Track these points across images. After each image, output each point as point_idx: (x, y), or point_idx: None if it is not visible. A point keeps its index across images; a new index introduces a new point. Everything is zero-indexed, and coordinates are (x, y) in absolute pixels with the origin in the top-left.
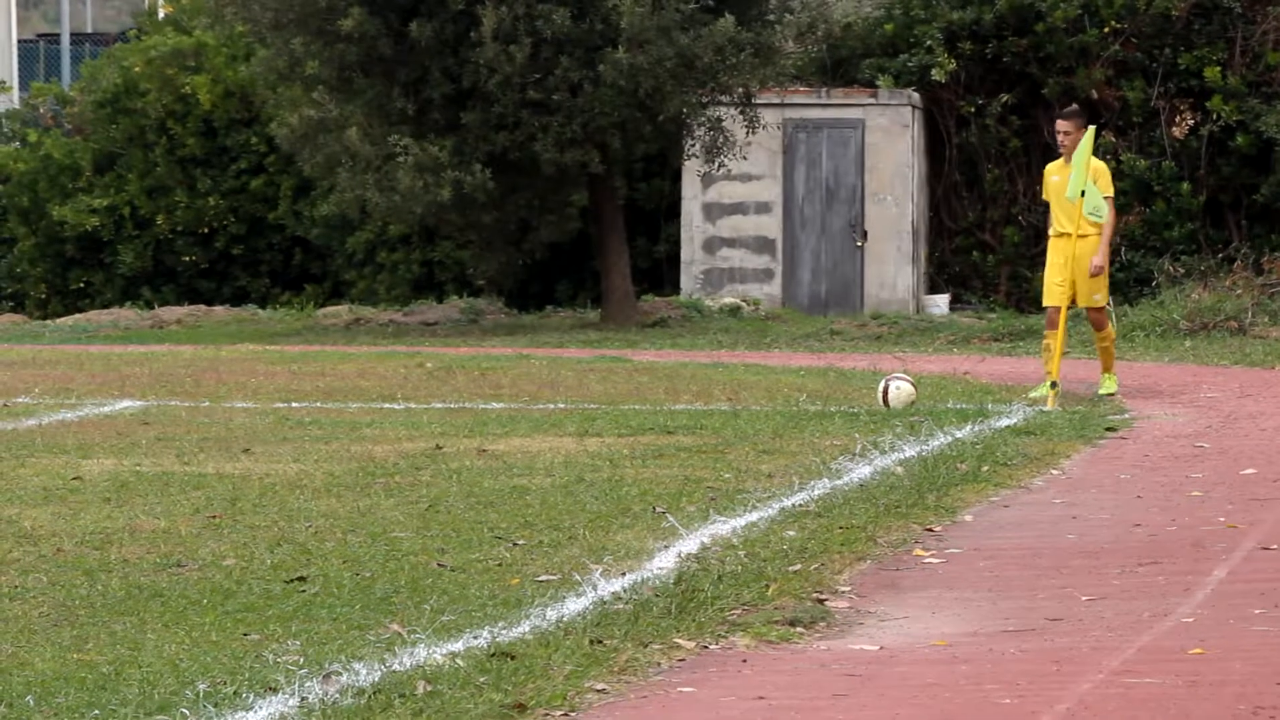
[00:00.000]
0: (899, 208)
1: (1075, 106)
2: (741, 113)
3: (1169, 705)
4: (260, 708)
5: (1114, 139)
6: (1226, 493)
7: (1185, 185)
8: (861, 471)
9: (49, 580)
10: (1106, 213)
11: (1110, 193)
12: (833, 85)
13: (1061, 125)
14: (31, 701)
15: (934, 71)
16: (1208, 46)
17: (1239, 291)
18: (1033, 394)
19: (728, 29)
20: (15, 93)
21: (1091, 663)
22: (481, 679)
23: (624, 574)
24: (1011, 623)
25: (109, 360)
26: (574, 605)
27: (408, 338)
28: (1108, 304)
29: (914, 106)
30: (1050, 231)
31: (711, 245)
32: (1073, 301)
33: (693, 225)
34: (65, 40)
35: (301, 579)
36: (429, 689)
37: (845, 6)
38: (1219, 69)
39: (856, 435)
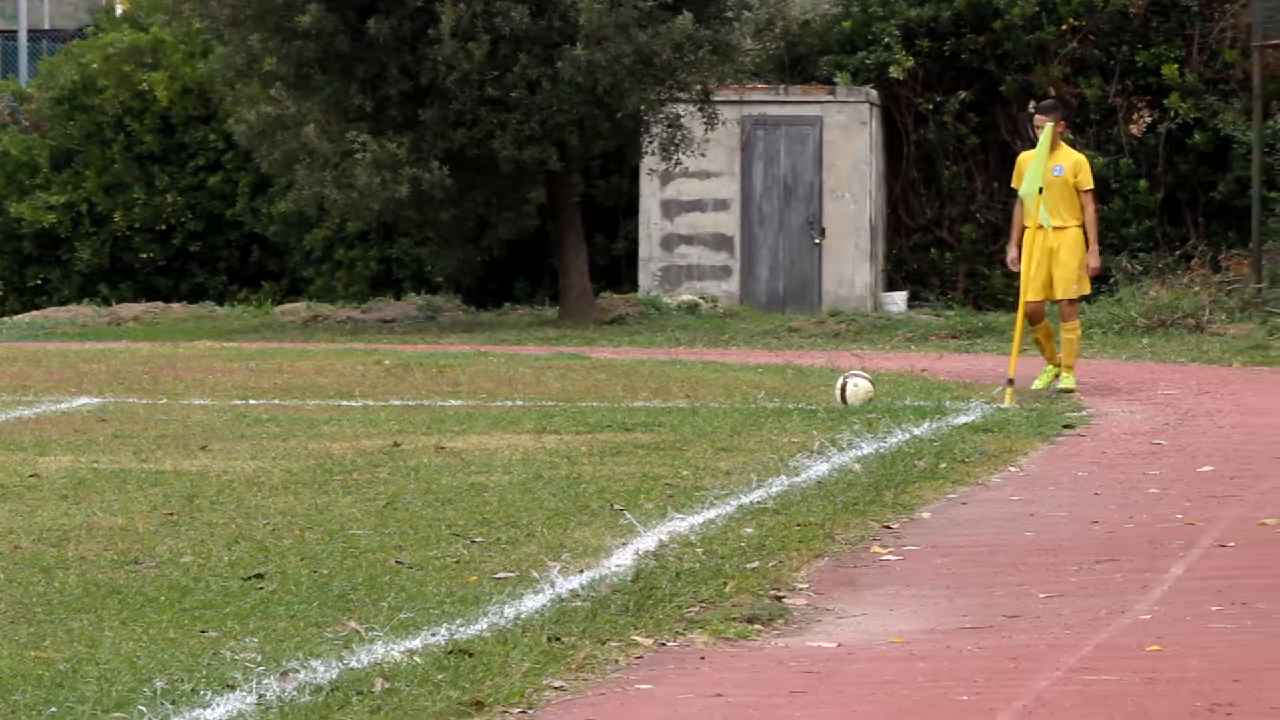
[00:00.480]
0: (857, 205)
1: (1051, 100)
2: (700, 110)
3: (1126, 702)
4: (218, 705)
5: (1072, 135)
6: (1184, 490)
7: (1143, 183)
8: (819, 469)
9: (6, 578)
10: (1089, 207)
11: (1090, 185)
12: (791, 82)
13: (1038, 119)
14: None
15: (892, 69)
16: (1165, 44)
17: (1196, 289)
18: (1035, 384)
19: (686, 26)
20: None
21: (1049, 660)
22: (439, 676)
23: (582, 571)
24: (969, 620)
25: (66, 357)
26: (532, 603)
27: (366, 335)
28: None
29: (872, 104)
30: (1025, 223)
31: (670, 242)
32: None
33: (651, 223)
34: (23, 37)
35: (259, 576)
36: (387, 686)
37: (803, 3)
38: (1176, 66)
39: (814, 432)
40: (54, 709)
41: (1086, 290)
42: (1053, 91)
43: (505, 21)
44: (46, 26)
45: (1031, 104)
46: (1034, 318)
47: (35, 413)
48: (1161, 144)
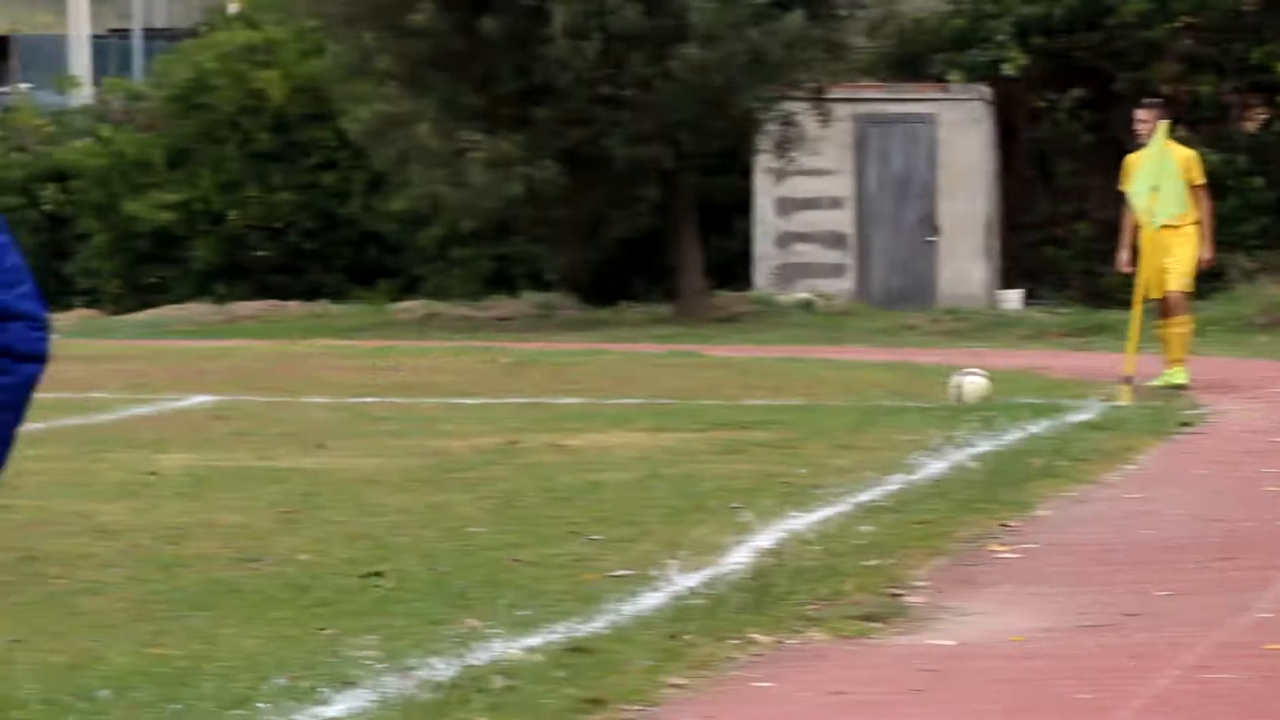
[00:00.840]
0: (971, 203)
1: (1157, 98)
2: (812, 108)
3: (1246, 700)
4: (338, 702)
5: (1186, 133)
6: None
7: (1258, 180)
8: (937, 467)
9: (126, 575)
10: (1203, 202)
11: (1202, 180)
12: (903, 80)
13: (1141, 115)
14: (109, 696)
15: (1005, 66)
16: (1278, 41)
17: None
18: (1153, 382)
19: (798, 24)
20: (88, 88)
21: (1168, 658)
22: (558, 674)
23: (700, 569)
24: (1088, 618)
25: (183, 355)
26: (650, 600)
27: (482, 333)
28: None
29: (985, 101)
30: (1138, 223)
31: (784, 240)
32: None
33: (765, 220)
34: (138, 35)
35: (378, 574)
36: (506, 684)
37: (915, 1)
38: None
39: (931, 430)
40: (175, 706)
41: (1189, 288)
42: (1161, 90)
43: (617, 20)
44: (161, 25)
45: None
46: (1168, 311)
47: (153, 410)
48: (1276, 141)
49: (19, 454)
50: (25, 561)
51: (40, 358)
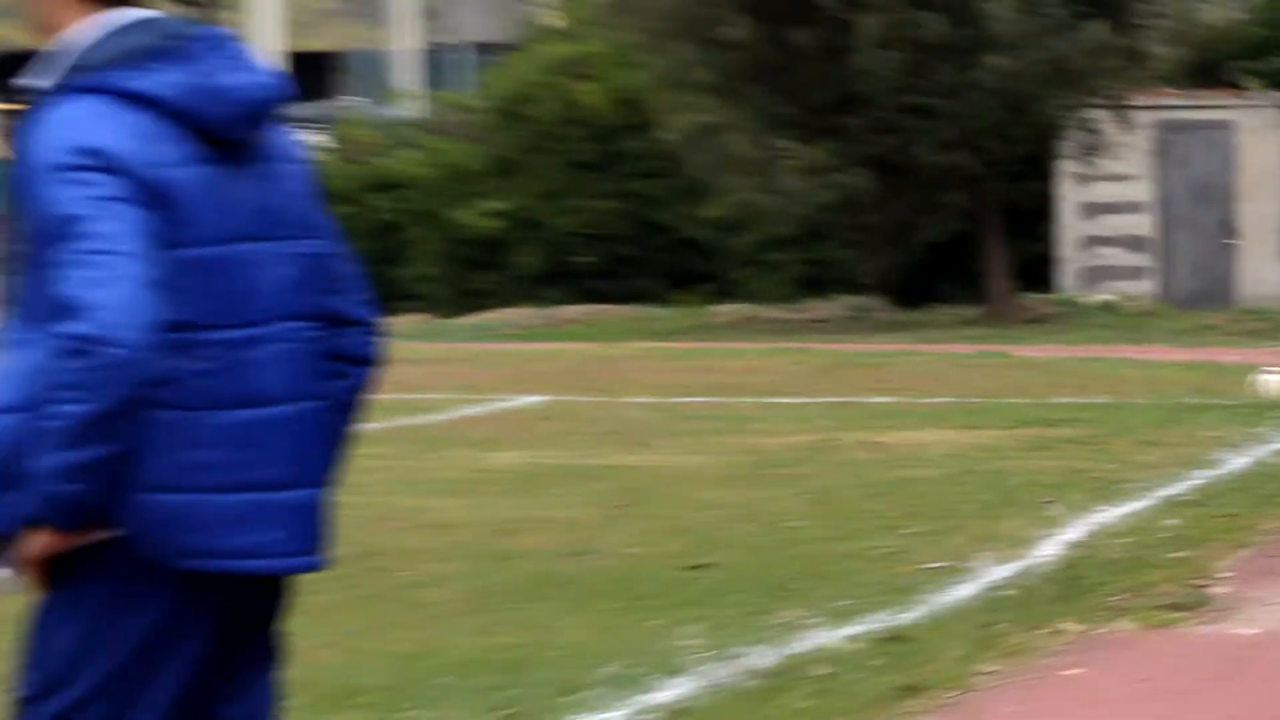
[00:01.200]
0: (1269, 206)
1: None
2: (1113, 115)
3: None
4: (666, 689)
5: None
6: None
7: None
8: (1240, 462)
9: (462, 568)
10: None
11: None
12: (1201, 88)
13: None
14: (449, 683)
15: None
16: None
17: None
18: None
19: (1100, 34)
20: (415, 101)
21: None
22: (876, 662)
23: (1011, 561)
24: None
25: (511, 358)
26: (963, 591)
27: (797, 335)
28: None
29: None
30: None
31: (1086, 243)
32: None
33: (1067, 224)
34: (463, 50)
35: (701, 566)
36: (827, 671)
37: (1213, 10)
38: None
39: (1233, 427)
40: (511, 692)
41: None
42: None
43: (924, 31)
44: (483, 39)
45: None
46: None
47: (483, 410)
48: None
49: (357, 453)
50: (367, 556)
51: (373, 361)
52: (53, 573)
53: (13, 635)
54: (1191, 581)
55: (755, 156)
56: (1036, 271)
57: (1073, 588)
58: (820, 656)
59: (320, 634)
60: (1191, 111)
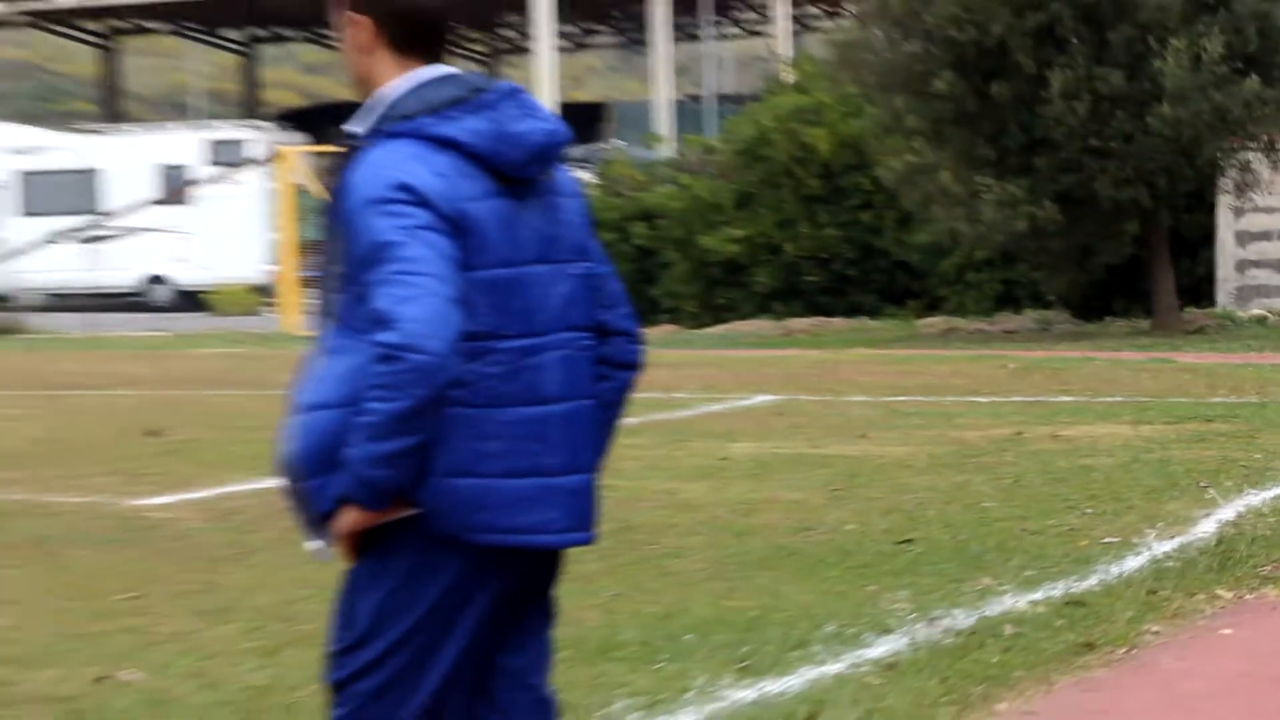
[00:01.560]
0: None
1: None
2: (1266, 156)
3: None
4: (878, 646)
5: None
6: None
7: None
8: None
9: (704, 541)
10: None
11: None
12: None
13: None
14: (693, 640)
15: None
16: None
17: None
18: None
19: (1255, 87)
20: (670, 144)
21: None
22: (1058, 623)
23: (1174, 537)
24: None
25: (748, 362)
26: (1132, 562)
27: (992, 343)
28: None
29: None
30: None
31: (1241, 266)
32: None
33: (1226, 250)
34: (709, 101)
35: (909, 541)
36: (1015, 631)
37: None
38: None
39: None
40: (747, 648)
41: None
42: None
43: (1104, 84)
44: (728, 92)
45: None
46: None
47: (724, 408)
48: None
49: (619, 444)
50: (623, 531)
51: (634, 366)
52: (362, 545)
53: (328, 598)
54: None
55: (958, 191)
56: (1198, 290)
57: (1226, 559)
58: (1009, 618)
59: (585, 597)
60: None
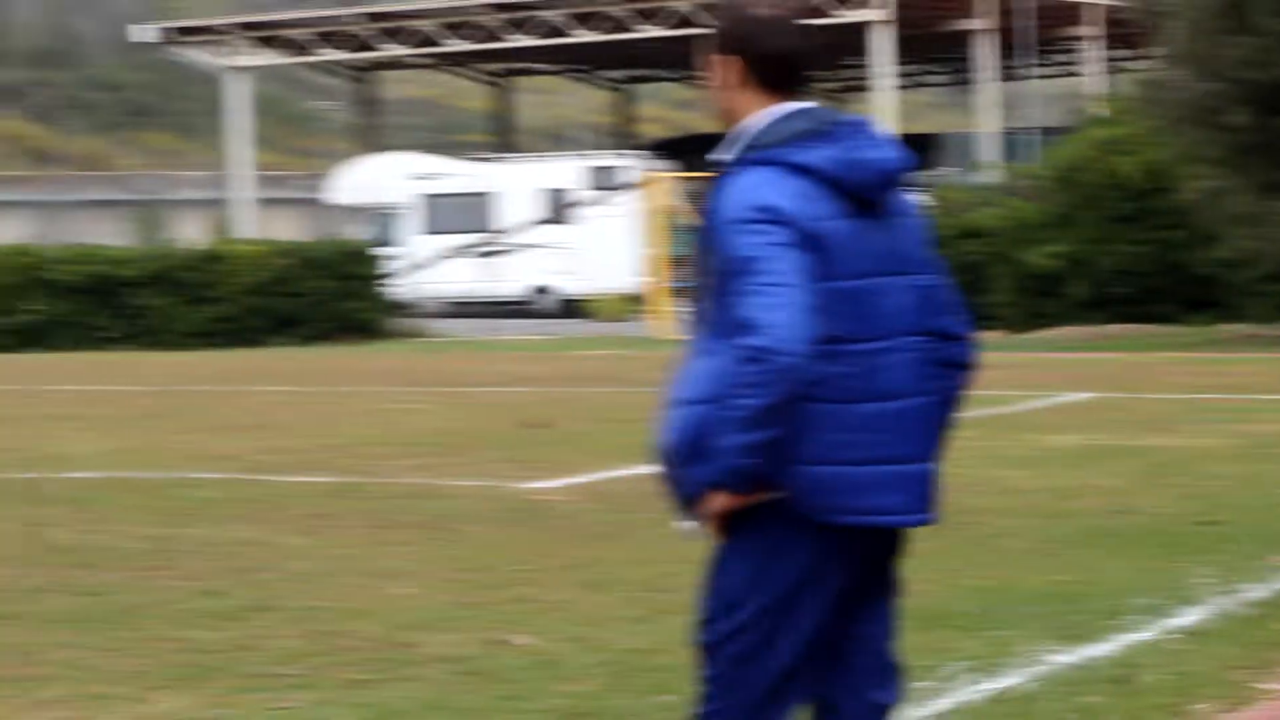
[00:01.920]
0: None
1: None
2: None
3: None
4: (1183, 616)
5: None
6: None
7: None
8: None
9: (1028, 524)
10: None
11: None
12: None
13: None
14: (1024, 610)
15: None
16: None
17: None
18: None
19: None
20: (997, 170)
21: None
22: None
23: None
24: None
25: (1066, 364)
26: None
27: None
28: None
29: None
30: None
31: None
32: None
33: None
34: (1030, 132)
35: (1213, 522)
36: None
37: None
38: None
39: None
40: (1071, 617)
41: None
42: None
43: None
44: (1049, 125)
45: None
46: None
47: (1045, 404)
48: None
49: (955, 435)
50: (959, 514)
51: (969, 366)
52: (728, 525)
53: (698, 571)
54: None
55: (1253, 213)
56: None
57: None
58: None
59: (925, 571)
60: None
